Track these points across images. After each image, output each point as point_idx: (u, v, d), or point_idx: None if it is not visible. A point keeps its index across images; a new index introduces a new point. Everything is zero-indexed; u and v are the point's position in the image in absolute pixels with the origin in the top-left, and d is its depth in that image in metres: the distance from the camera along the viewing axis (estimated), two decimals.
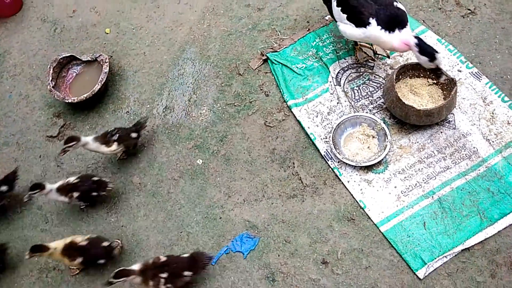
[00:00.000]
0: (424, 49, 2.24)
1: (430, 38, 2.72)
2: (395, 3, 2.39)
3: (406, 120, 2.41)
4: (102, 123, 2.87)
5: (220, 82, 2.86)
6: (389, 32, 2.33)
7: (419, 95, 2.50)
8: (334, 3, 2.54)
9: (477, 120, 2.45)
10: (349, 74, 2.71)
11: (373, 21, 2.36)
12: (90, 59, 2.96)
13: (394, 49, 2.38)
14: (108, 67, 2.85)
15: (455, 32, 2.76)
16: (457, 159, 2.37)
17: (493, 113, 2.46)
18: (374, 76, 2.68)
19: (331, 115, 2.61)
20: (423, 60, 2.27)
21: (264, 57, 2.84)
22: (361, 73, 2.71)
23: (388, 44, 2.37)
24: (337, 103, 2.63)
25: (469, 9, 2.82)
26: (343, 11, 2.48)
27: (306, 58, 2.80)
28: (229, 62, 2.91)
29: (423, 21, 2.82)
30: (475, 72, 2.59)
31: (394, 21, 2.33)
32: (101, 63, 2.90)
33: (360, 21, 2.41)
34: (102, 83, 2.82)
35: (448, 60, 2.65)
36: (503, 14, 2.79)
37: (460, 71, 2.61)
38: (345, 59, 2.77)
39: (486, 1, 2.85)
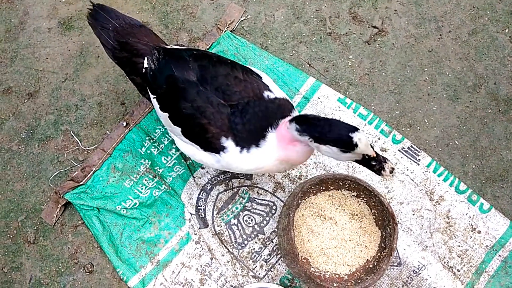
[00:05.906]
0: (324, 132, 1.11)
1: (328, 99, 1.64)
2: (265, 94, 1.26)
3: None
4: None
5: (0, 267, 1.60)
6: (256, 145, 1.22)
7: (337, 223, 1.50)
8: (156, 106, 1.33)
9: (428, 238, 1.55)
10: (217, 196, 1.60)
11: (228, 143, 1.23)
12: None
13: (282, 163, 1.26)
14: None
15: (362, 74, 1.69)
16: None
17: (448, 218, 1.57)
18: (257, 192, 1.60)
19: (207, 284, 1.54)
20: (334, 152, 1.13)
21: (64, 200, 1.60)
22: (235, 190, 1.61)
23: (267, 166, 1.27)
24: (211, 258, 1.56)
25: (374, 26, 1.73)
26: (174, 121, 1.30)
27: (138, 182, 1.60)
28: (6, 221, 1.61)
29: (309, 64, 1.69)
30: (408, 148, 1.62)
31: (265, 124, 1.22)
32: None
33: (207, 145, 1.27)
34: None
35: None
36: (425, 22, 1.75)
37: (385, 150, 1.62)
38: (202, 168, 1.62)
39: (397, 5, 1.76)
